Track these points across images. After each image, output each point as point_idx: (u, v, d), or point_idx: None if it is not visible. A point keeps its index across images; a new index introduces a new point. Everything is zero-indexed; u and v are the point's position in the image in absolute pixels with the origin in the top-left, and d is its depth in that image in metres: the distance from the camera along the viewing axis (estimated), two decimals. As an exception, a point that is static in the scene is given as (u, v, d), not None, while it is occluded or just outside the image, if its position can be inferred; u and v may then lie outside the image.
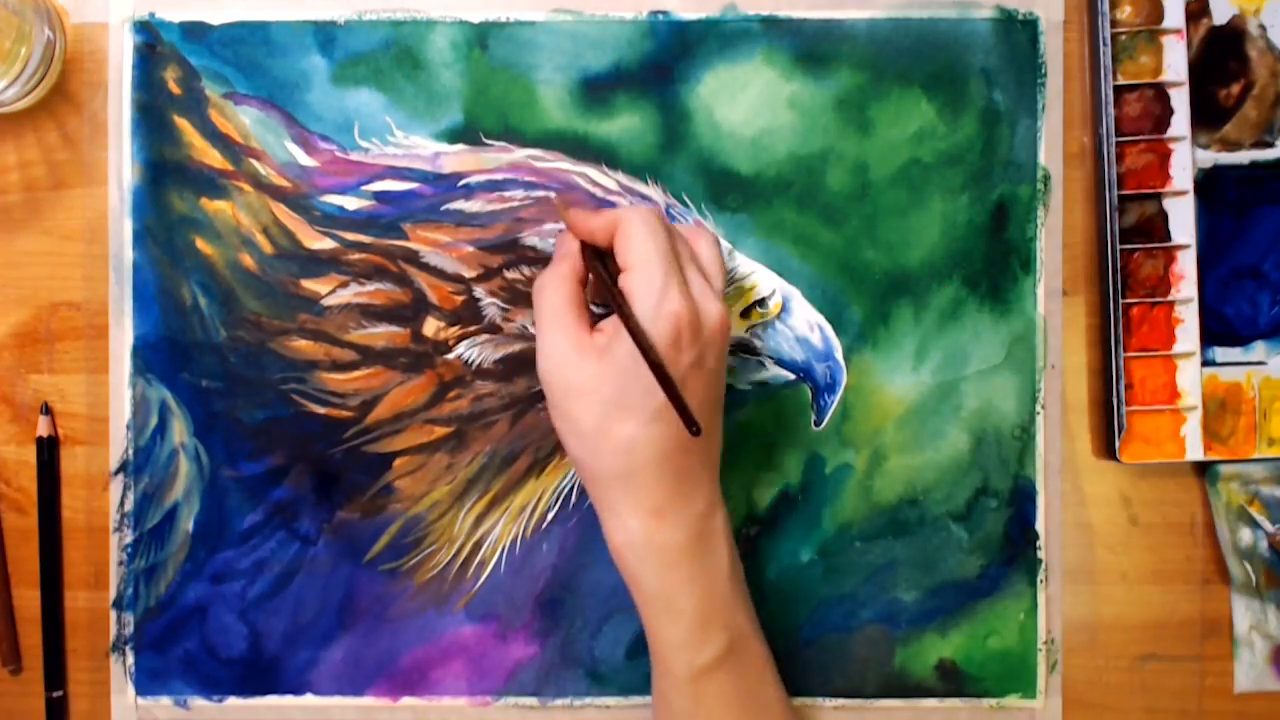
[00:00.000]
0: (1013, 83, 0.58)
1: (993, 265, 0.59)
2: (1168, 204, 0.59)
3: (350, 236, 0.58)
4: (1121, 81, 0.58)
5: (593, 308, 0.53)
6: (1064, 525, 0.59)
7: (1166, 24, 0.58)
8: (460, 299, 0.58)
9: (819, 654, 0.59)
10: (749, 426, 0.58)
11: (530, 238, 0.57)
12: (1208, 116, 0.59)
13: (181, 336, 0.58)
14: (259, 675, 0.59)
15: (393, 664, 0.59)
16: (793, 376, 0.58)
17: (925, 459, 0.59)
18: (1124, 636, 0.60)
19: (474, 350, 0.58)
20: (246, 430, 0.58)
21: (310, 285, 0.58)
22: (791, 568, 0.58)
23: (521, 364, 0.58)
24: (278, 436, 0.58)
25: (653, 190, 0.58)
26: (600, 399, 0.48)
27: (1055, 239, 0.59)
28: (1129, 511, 0.60)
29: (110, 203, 0.58)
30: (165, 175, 0.58)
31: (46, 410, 0.59)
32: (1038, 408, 0.59)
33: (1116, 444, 0.58)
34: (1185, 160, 0.58)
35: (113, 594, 0.59)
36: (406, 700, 0.59)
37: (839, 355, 0.58)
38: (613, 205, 0.57)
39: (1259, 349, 0.59)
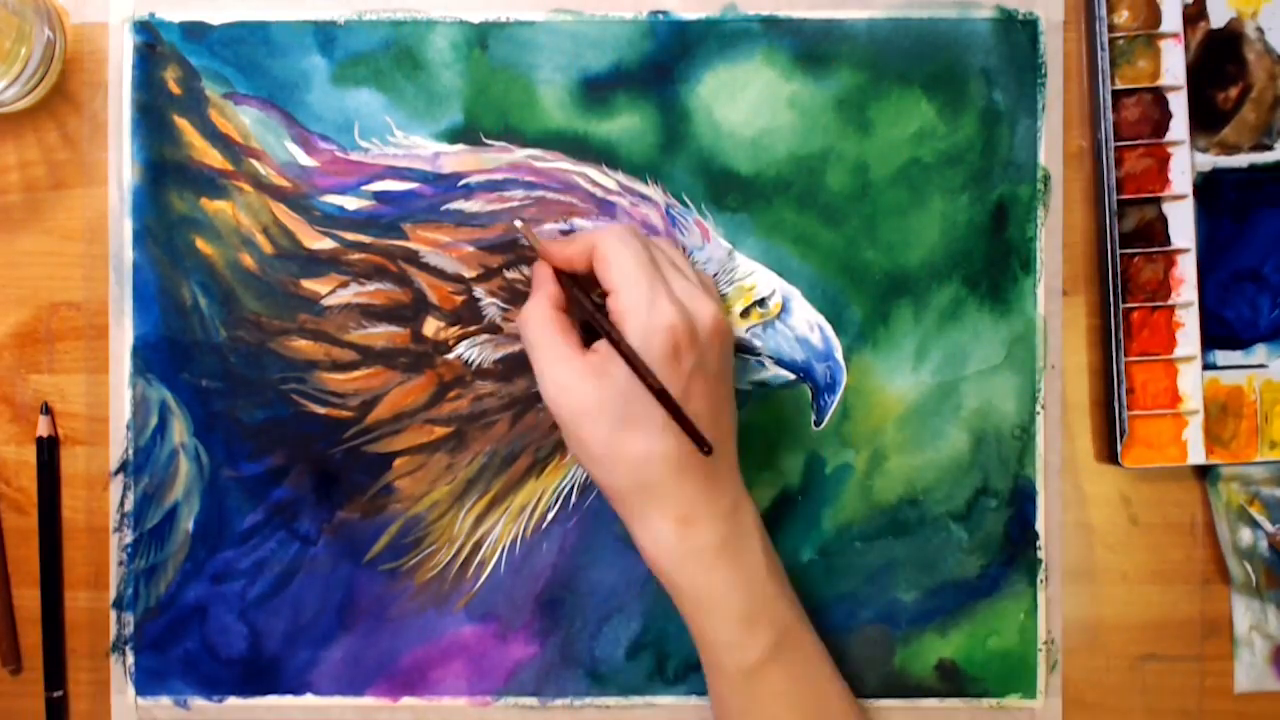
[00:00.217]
0: (1013, 83, 0.58)
1: (993, 265, 0.59)
2: (1167, 208, 0.59)
3: (350, 236, 0.58)
4: (1120, 86, 0.58)
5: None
6: (1064, 525, 0.60)
7: (1164, 28, 0.58)
8: (460, 299, 0.58)
9: (819, 654, 0.59)
10: (749, 426, 0.58)
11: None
12: (1206, 120, 0.59)
13: (181, 336, 0.58)
14: (259, 675, 0.59)
15: (393, 664, 0.59)
16: (793, 376, 0.58)
17: (925, 459, 0.59)
18: (1124, 636, 0.60)
19: (474, 350, 0.58)
20: (246, 430, 0.58)
21: (310, 285, 0.58)
22: (791, 568, 0.58)
23: (521, 364, 0.58)
24: (278, 436, 0.58)
25: (653, 190, 0.58)
26: (607, 419, 0.48)
27: (1055, 239, 0.59)
28: (1129, 511, 0.60)
29: (110, 203, 0.58)
30: (165, 175, 0.58)
31: (46, 410, 0.59)
32: (1038, 408, 0.59)
33: (1118, 448, 0.58)
34: (1184, 164, 0.58)
35: (113, 594, 0.59)
36: (406, 700, 0.59)
37: (839, 355, 0.58)
38: (612, 205, 0.57)
39: (1260, 352, 0.59)
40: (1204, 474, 0.60)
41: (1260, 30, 0.58)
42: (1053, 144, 0.59)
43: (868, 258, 0.58)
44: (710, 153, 0.58)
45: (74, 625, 0.59)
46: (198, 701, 0.59)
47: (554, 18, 0.58)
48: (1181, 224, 0.59)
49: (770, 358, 0.58)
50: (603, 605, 0.59)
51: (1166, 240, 0.59)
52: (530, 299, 0.52)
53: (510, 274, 0.57)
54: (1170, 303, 0.59)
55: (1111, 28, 0.58)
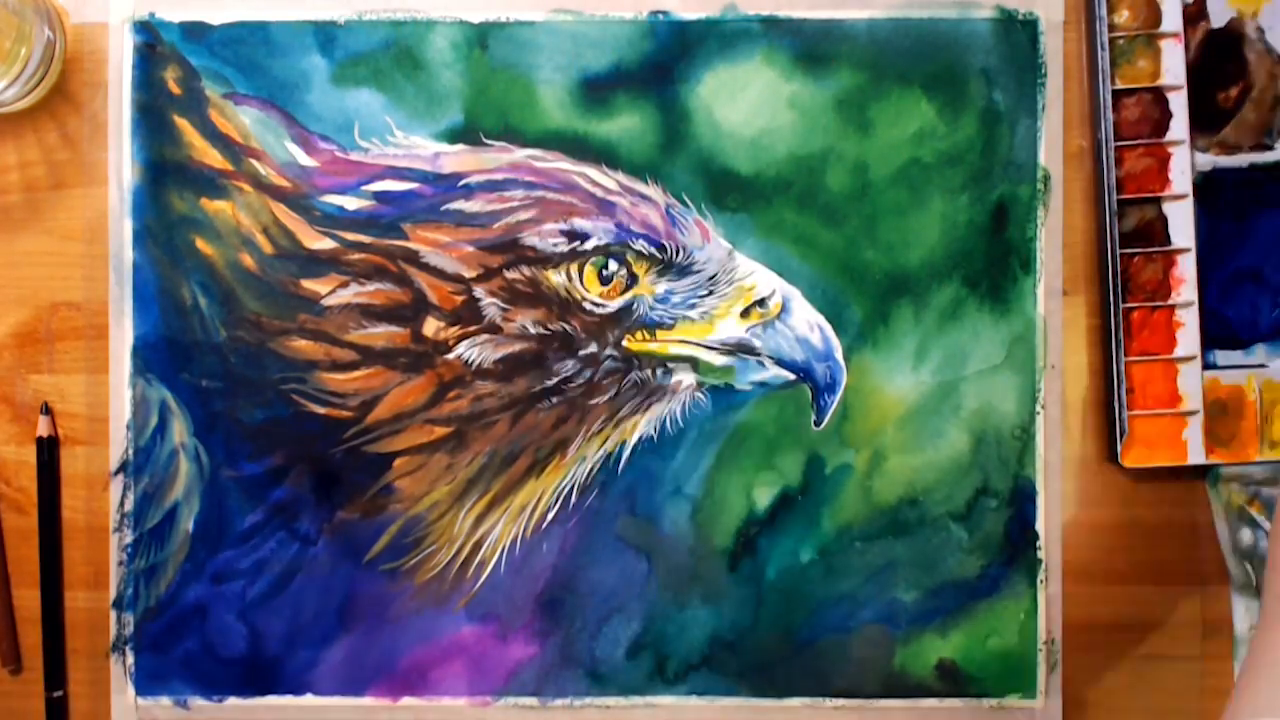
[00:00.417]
0: (1013, 83, 0.58)
1: (993, 265, 0.59)
2: (1167, 208, 0.59)
3: (350, 236, 0.58)
4: (1120, 86, 0.58)
5: None
6: (1064, 525, 0.59)
7: (1164, 27, 0.58)
8: (460, 299, 0.58)
9: (819, 654, 0.59)
10: (749, 426, 0.58)
11: (530, 238, 0.57)
12: (1206, 120, 0.59)
13: (181, 336, 0.58)
14: (259, 675, 0.59)
15: (393, 664, 0.59)
16: (793, 376, 0.58)
17: (925, 459, 0.59)
18: (1124, 636, 0.60)
19: (474, 350, 0.58)
20: (246, 430, 0.58)
21: (310, 285, 0.58)
22: (791, 568, 0.58)
23: (521, 364, 0.58)
24: (278, 436, 0.58)
25: (653, 190, 0.58)
26: None
27: (1055, 239, 0.59)
28: (1129, 511, 0.60)
29: (110, 203, 0.58)
30: (165, 175, 0.58)
31: (46, 410, 0.59)
32: (1038, 408, 0.59)
33: (1118, 448, 0.58)
34: (1184, 164, 0.58)
35: (113, 594, 0.59)
36: (406, 700, 0.59)
37: (839, 355, 0.58)
38: (612, 205, 0.57)
39: (1260, 352, 0.59)
40: (1204, 474, 0.60)
41: (1260, 30, 0.58)
42: (1052, 144, 0.59)
43: (868, 258, 0.58)
44: (710, 153, 0.58)
45: (74, 625, 0.59)
46: (198, 701, 0.59)
47: (554, 18, 0.58)
48: (1181, 224, 0.59)
49: (770, 358, 0.58)
50: (603, 605, 0.59)
51: (1166, 240, 0.59)
52: None
53: (510, 274, 0.57)
54: (1170, 302, 0.58)
55: (1112, 27, 0.58)
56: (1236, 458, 0.59)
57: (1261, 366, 0.59)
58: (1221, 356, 0.60)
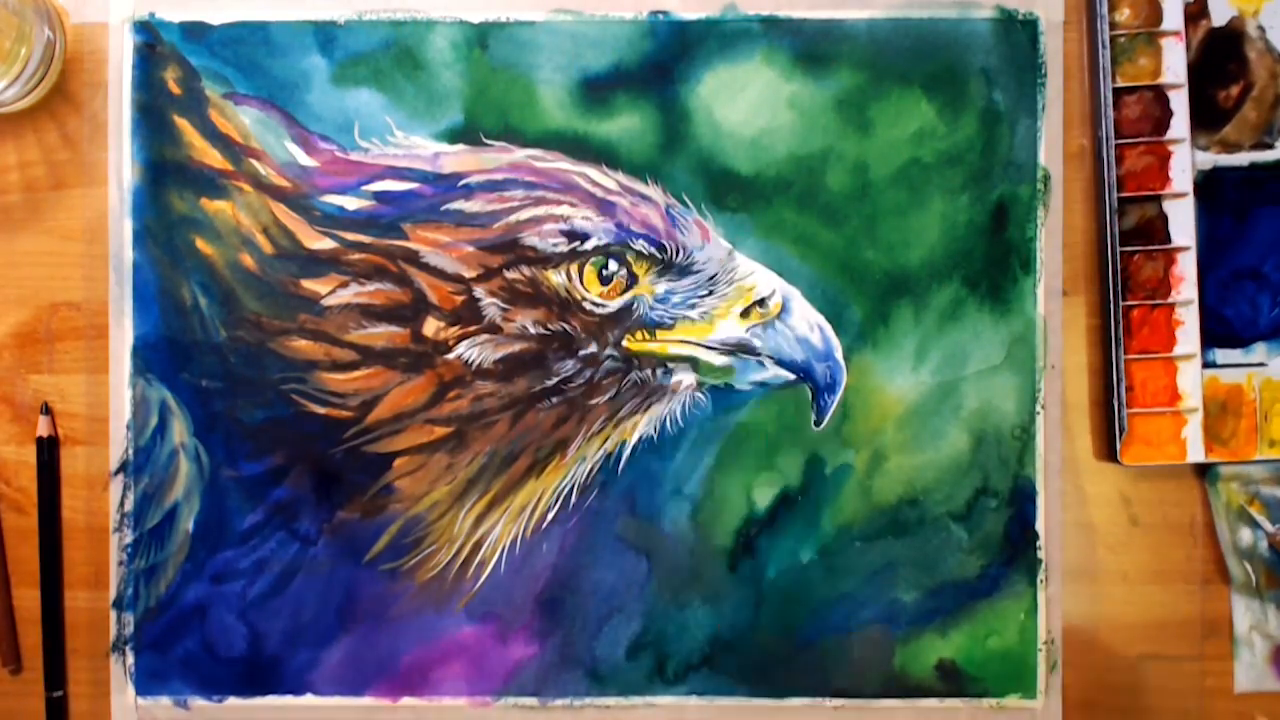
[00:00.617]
0: (1013, 83, 0.58)
1: (993, 265, 0.59)
2: (1167, 206, 0.59)
3: (350, 236, 0.58)
4: (1121, 84, 0.58)
5: None
6: (1064, 525, 0.59)
7: (1165, 26, 0.58)
8: (460, 299, 0.58)
9: (819, 654, 0.59)
10: (749, 426, 0.58)
11: (530, 238, 0.57)
12: (1207, 118, 0.59)
13: (181, 336, 0.58)
14: (259, 675, 0.59)
15: (393, 664, 0.59)
16: (793, 376, 0.58)
17: (925, 459, 0.59)
18: (1124, 636, 0.60)
19: (474, 350, 0.58)
20: (246, 430, 0.58)
21: (310, 285, 0.58)
22: (791, 568, 0.58)
23: (521, 364, 0.58)
24: (278, 436, 0.58)
25: (653, 190, 0.58)
26: None
27: (1055, 239, 0.59)
28: (1129, 511, 0.60)
29: (110, 203, 0.58)
30: (165, 175, 0.58)
31: (46, 410, 0.59)
32: (1038, 408, 0.59)
33: (1117, 446, 0.58)
34: (1185, 162, 0.58)
35: (113, 594, 0.59)
36: (406, 700, 0.59)
37: (839, 355, 0.58)
38: (612, 205, 0.57)
39: (1259, 350, 0.59)
40: (1204, 474, 0.60)
41: (1261, 29, 0.58)
42: (1053, 143, 0.59)
43: (868, 258, 0.58)
44: (710, 153, 0.58)
45: (74, 625, 0.59)
46: (198, 701, 0.59)
47: (554, 18, 0.58)
48: (1182, 222, 0.59)
49: (770, 357, 0.58)
50: (603, 605, 0.59)
51: (1167, 238, 0.59)
52: None
53: (510, 274, 0.57)
54: (1170, 301, 0.58)
55: (1113, 25, 0.58)
56: (1236, 456, 0.59)
57: (1261, 365, 0.59)
58: (1221, 355, 0.60)
